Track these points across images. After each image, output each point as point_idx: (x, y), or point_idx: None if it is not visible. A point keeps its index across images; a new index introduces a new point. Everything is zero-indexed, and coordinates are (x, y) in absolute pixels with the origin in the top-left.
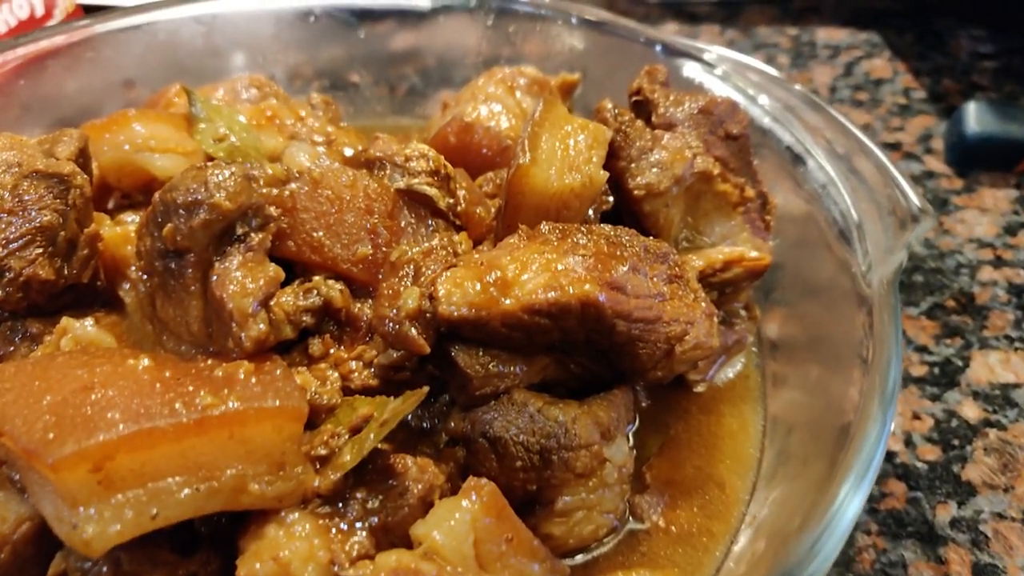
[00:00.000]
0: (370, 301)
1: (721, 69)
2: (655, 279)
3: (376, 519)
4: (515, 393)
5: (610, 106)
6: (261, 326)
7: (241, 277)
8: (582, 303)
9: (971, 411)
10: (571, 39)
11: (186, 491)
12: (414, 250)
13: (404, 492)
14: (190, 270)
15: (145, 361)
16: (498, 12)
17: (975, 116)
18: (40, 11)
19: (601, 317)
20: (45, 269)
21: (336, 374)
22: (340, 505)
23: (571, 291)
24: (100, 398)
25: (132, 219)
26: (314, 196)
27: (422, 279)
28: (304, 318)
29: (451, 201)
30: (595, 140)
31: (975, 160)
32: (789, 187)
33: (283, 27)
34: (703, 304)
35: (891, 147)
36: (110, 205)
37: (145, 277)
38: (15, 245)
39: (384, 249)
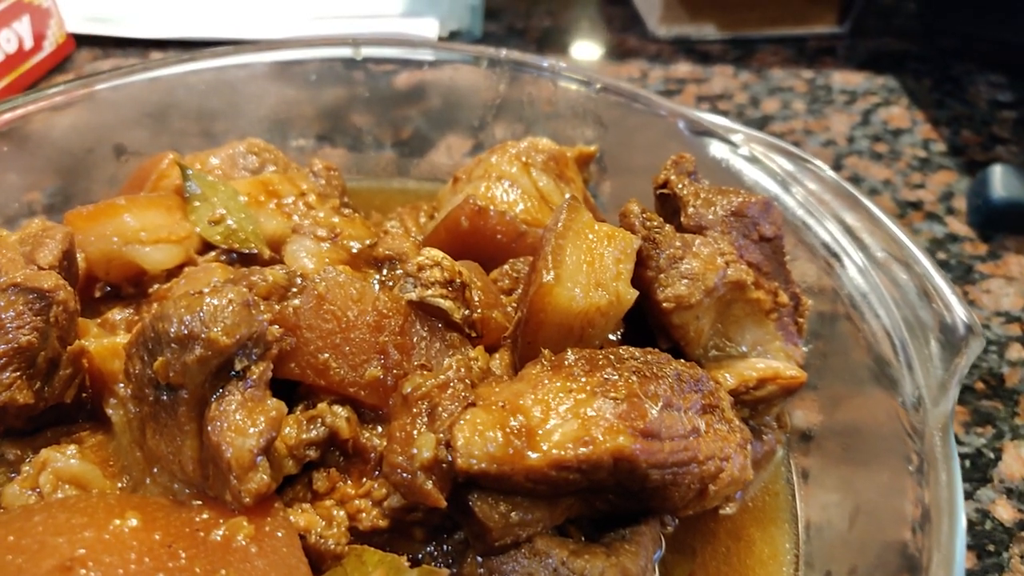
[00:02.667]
0: (379, 428)
1: (747, 149)
2: (689, 412)
3: None
4: (537, 542)
5: (637, 210)
6: (263, 477)
7: (240, 421)
8: (615, 457)
9: (1006, 511)
10: (589, 104)
11: None
12: (428, 383)
13: None
14: (184, 408)
15: (133, 521)
16: (513, 71)
17: (1000, 180)
18: (29, 44)
19: (635, 469)
20: (23, 393)
21: (343, 513)
22: None
23: (604, 446)
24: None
25: (120, 316)
26: (320, 313)
27: (438, 422)
28: (308, 452)
29: (466, 312)
30: (622, 253)
31: (1000, 225)
32: (823, 291)
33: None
34: (738, 435)
35: (912, 206)
36: (97, 294)
37: (134, 399)
38: None
39: (395, 372)
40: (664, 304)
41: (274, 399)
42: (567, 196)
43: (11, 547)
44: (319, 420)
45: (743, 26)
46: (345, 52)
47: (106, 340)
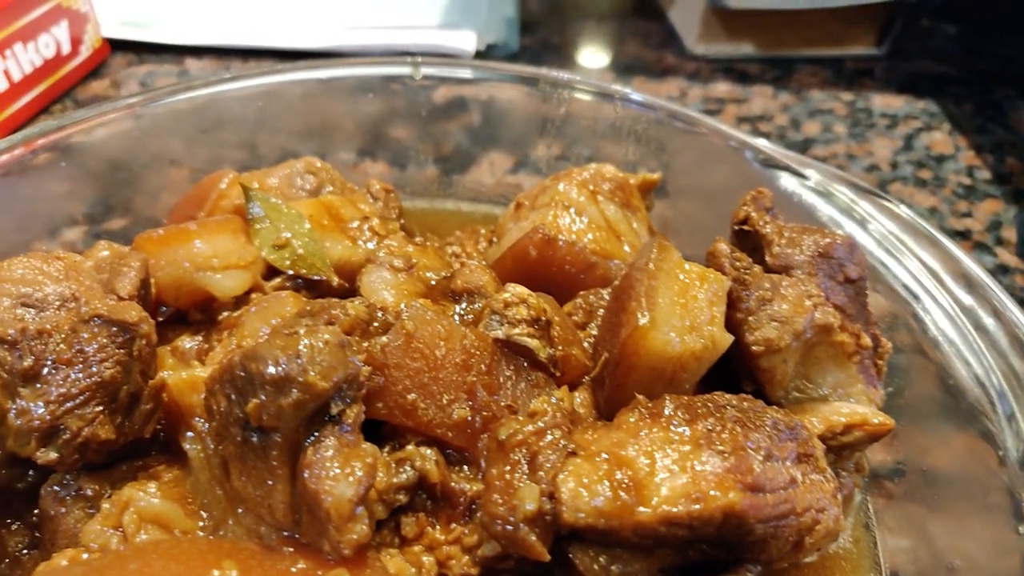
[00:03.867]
0: (465, 469)
1: (816, 181)
2: (787, 462)
3: None
4: None
5: (727, 250)
6: (363, 528)
7: (339, 469)
8: (725, 514)
9: None
10: (651, 130)
11: None
12: (526, 429)
13: None
14: (276, 451)
15: (232, 573)
16: (568, 91)
17: None
18: (66, 49)
19: (742, 524)
20: (105, 428)
21: (431, 559)
22: None
23: (715, 503)
24: None
25: (190, 344)
26: (408, 351)
27: (540, 472)
28: (398, 496)
29: (551, 352)
30: (715, 295)
31: None
32: (903, 334)
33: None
34: (831, 484)
35: (960, 235)
36: (159, 318)
37: (217, 437)
38: (73, 403)
39: (484, 413)
40: (754, 347)
41: (367, 443)
42: (644, 231)
43: None
44: (408, 463)
45: (781, 46)
46: (404, 70)
47: (185, 373)
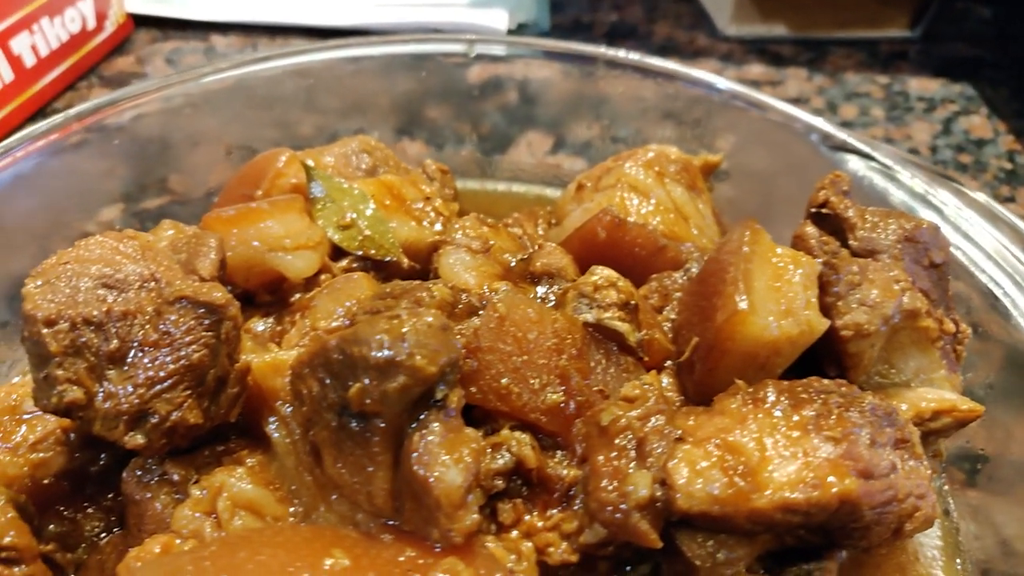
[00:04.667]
0: (558, 455)
1: (886, 164)
2: (887, 448)
3: None
4: None
5: (816, 233)
6: (474, 515)
7: (447, 455)
8: (841, 500)
9: None
10: (704, 109)
11: None
12: (631, 415)
13: None
14: (378, 437)
15: (344, 561)
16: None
17: None
18: (92, 23)
19: (855, 511)
20: (193, 413)
21: (530, 546)
22: None
23: (832, 489)
24: None
25: (262, 327)
26: (501, 334)
27: (650, 459)
28: (496, 482)
29: (640, 335)
30: (808, 279)
31: None
32: (981, 320)
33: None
34: (927, 470)
35: None
36: None
37: (307, 422)
38: (160, 387)
39: (578, 398)
40: (843, 332)
41: (469, 428)
42: (709, 214)
43: None
44: (504, 447)
45: (814, 27)
46: (457, 48)
47: (268, 356)
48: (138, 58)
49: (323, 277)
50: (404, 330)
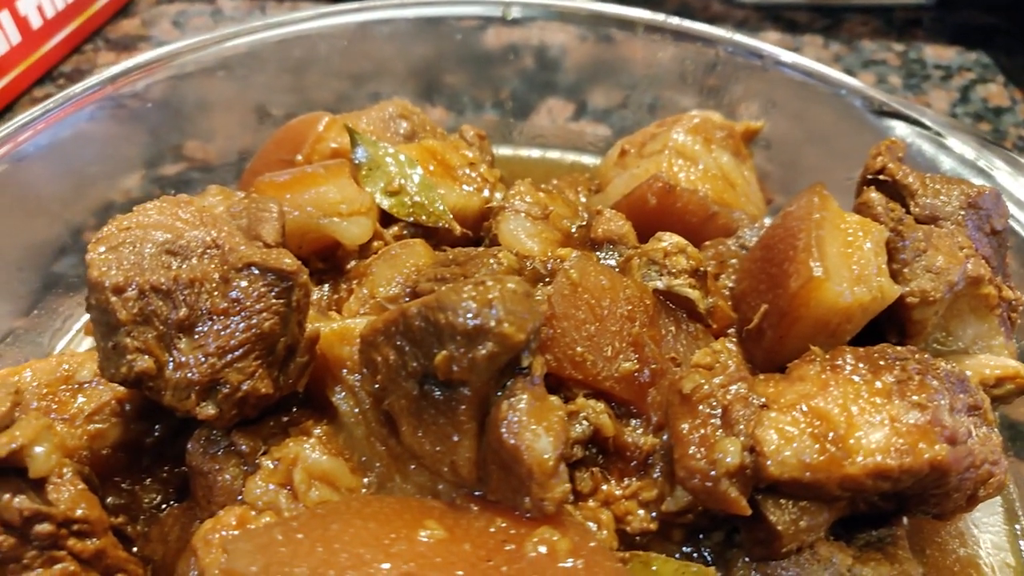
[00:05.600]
0: (632, 423)
1: (935, 128)
2: (962, 414)
3: None
4: (820, 547)
5: (882, 199)
6: (566, 485)
7: (535, 424)
8: (932, 466)
9: None
10: (747, 74)
11: None
12: (714, 382)
13: None
14: (464, 405)
15: (439, 532)
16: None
17: None
18: None
19: (943, 477)
20: (264, 383)
21: (608, 514)
22: None
23: (924, 455)
24: None
25: (316, 294)
26: (574, 301)
27: (738, 426)
28: (574, 451)
29: (709, 302)
30: (878, 245)
31: None
32: None
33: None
34: (998, 437)
35: None
36: None
37: (381, 391)
38: (231, 356)
39: (652, 366)
40: (909, 299)
41: (553, 396)
42: (754, 181)
43: (323, 561)
44: (581, 416)
45: None
46: (494, 11)
47: (335, 324)
48: (143, 20)
49: (376, 244)
50: (491, 296)
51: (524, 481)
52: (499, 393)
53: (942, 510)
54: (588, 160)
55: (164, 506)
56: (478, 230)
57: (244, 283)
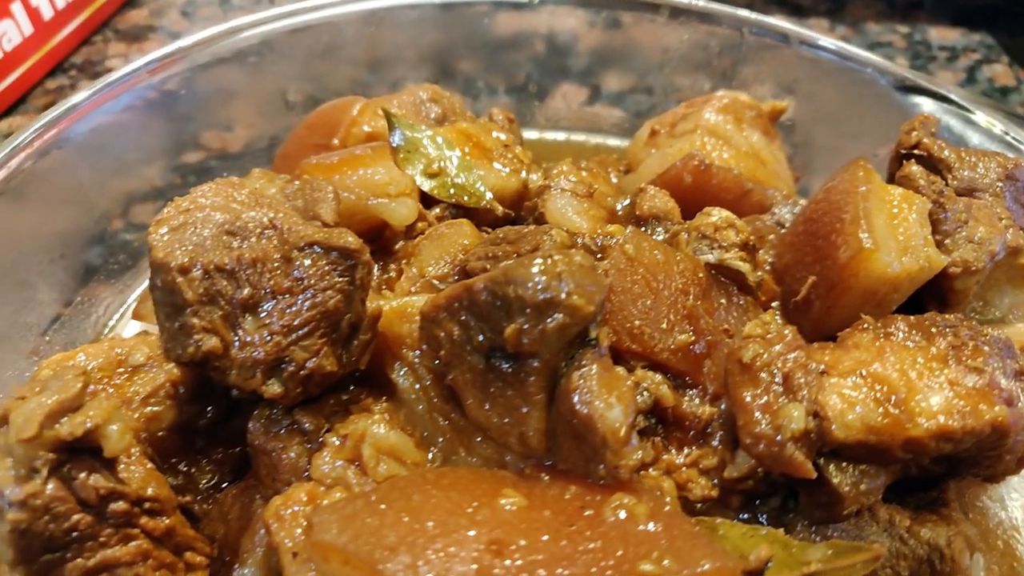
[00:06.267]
0: (688, 394)
1: (963, 104)
2: (1011, 378)
3: None
4: (878, 510)
5: (923, 171)
6: (639, 453)
7: (607, 393)
8: (993, 427)
9: None
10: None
11: None
12: (773, 350)
13: None
14: (534, 377)
15: (521, 500)
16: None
17: None
18: None
19: (1002, 438)
20: (329, 360)
21: (671, 483)
22: None
23: (985, 416)
24: (520, 563)
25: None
26: (630, 276)
27: (801, 392)
28: (637, 420)
29: (759, 275)
30: (922, 216)
31: None
32: None
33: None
34: None
35: None
36: None
37: (444, 366)
38: (296, 334)
39: (707, 337)
40: (952, 269)
41: (618, 367)
42: (783, 159)
43: (412, 529)
44: (642, 387)
45: None
46: None
47: (395, 302)
48: (152, 10)
49: (420, 225)
50: (559, 269)
51: (598, 449)
52: (568, 365)
53: (993, 472)
54: (612, 142)
55: (222, 486)
56: (517, 210)
57: (307, 262)
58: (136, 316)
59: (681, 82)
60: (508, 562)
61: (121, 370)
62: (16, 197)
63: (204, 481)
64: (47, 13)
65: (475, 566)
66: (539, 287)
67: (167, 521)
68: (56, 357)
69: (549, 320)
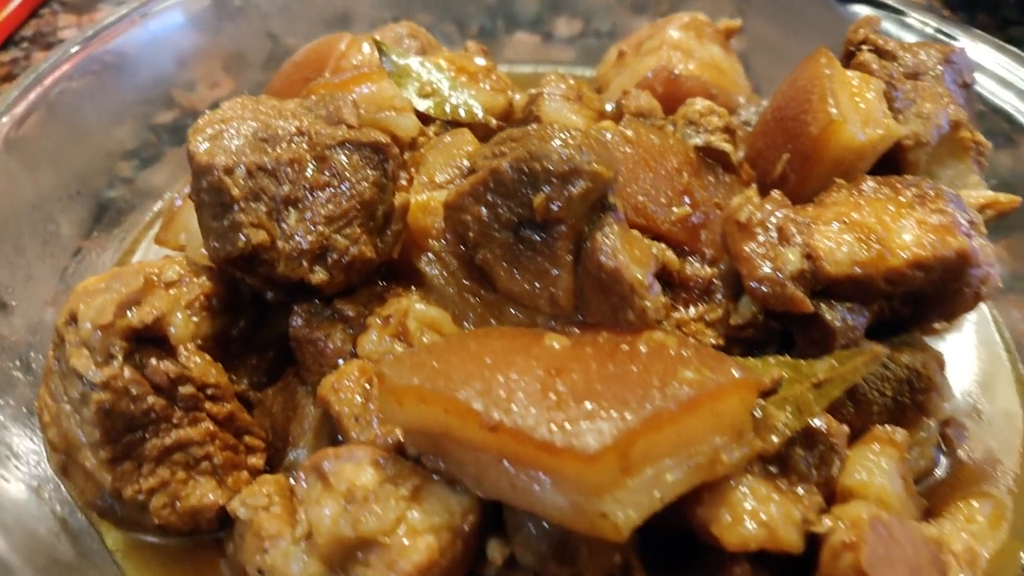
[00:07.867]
0: (689, 260)
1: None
2: (966, 224)
3: (816, 475)
4: (863, 343)
5: (874, 58)
6: (662, 297)
7: (629, 247)
8: (958, 254)
9: None
10: None
11: (677, 470)
12: (767, 208)
13: (831, 447)
14: (561, 242)
15: (565, 340)
16: None
17: None
18: None
19: (963, 267)
20: (368, 247)
21: (682, 335)
22: (781, 467)
23: (952, 245)
24: (577, 385)
25: None
26: (631, 156)
27: (794, 239)
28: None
29: (740, 155)
30: (879, 94)
31: None
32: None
33: None
34: (991, 247)
35: None
36: None
37: (472, 247)
38: (337, 224)
39: (702, 209)
40: (905, 141)
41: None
42: (741, 70)
43: (479, 365)
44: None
45: None
46: None
47: (422, 196)
48: None
49: (420, 139)
50: (579, 142)
51: (625, 296)
52: (591, 228)
53: (951, 311)
54: (578, 71)
55: (259, 392)
56: (512, 124)
57: (342, 158)
58: (159, 241)
59: (625, 24)
60: (567, 381)
61: (161, 288)
62: None
63: (242, 389)
64: None
65: (539, 385)
66: (563, 158)
67: (228, 406)
68: (90, 280)
69: (573, 187)
